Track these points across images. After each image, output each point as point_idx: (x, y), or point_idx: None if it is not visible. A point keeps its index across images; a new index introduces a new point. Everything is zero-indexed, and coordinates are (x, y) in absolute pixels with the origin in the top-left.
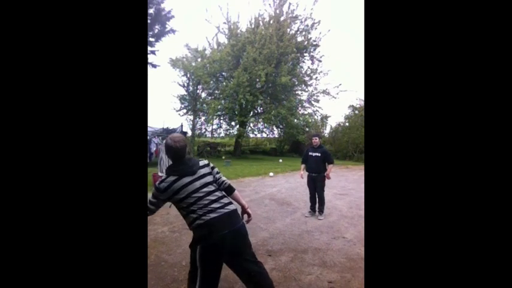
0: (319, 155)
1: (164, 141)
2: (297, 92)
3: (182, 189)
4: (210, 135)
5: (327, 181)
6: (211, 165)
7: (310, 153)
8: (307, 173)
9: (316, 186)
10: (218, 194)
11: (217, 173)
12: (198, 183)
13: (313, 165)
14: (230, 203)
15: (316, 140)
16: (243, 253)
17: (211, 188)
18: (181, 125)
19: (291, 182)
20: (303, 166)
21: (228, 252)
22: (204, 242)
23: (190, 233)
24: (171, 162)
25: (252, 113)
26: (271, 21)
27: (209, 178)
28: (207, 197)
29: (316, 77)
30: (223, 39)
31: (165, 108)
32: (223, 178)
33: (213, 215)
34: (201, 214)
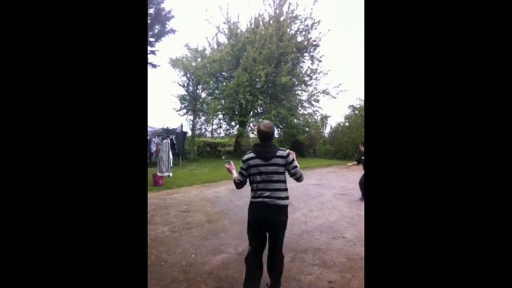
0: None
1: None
2: (297, 92)
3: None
4: (210, 135)
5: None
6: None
7: (362, 158)
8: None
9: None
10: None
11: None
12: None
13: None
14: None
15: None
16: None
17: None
18: (181, 125)
19: (291, 182)
20: (355, 162)
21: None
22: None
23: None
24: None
25: (252, 113)
26: (271, 21)
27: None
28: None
29: (316, 77)
30: (223, 39)
31: (165, 108)
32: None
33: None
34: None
